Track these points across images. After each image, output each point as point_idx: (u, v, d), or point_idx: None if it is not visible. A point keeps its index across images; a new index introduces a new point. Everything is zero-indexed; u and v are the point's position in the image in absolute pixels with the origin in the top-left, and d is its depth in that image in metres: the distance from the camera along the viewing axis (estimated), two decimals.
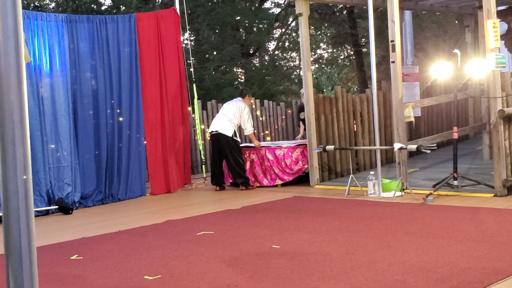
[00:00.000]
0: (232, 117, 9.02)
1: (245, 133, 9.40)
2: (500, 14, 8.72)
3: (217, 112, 11.93)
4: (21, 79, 1.31)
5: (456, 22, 17.64)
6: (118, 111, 8.69)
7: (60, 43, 8.11)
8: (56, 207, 7.74)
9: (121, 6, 20.51)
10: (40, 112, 7.84)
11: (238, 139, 9.10)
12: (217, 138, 8.95)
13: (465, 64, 7.36)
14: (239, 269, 4.22)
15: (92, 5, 20.47)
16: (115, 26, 8.71)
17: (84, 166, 8.28)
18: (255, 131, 12.25)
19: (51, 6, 21.69)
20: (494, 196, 6.76)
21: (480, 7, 7.34)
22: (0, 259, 5.04)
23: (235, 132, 8.99)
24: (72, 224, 6.90)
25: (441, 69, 7.46)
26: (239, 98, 9.28)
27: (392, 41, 7.52)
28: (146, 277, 4.17)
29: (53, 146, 7.92)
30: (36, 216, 7.17)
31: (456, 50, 7.46)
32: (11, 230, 1.31)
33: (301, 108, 10.01)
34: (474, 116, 10.83)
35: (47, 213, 7.70)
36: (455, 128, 7.28)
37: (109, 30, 8.64)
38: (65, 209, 7.69)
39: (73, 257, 4.96)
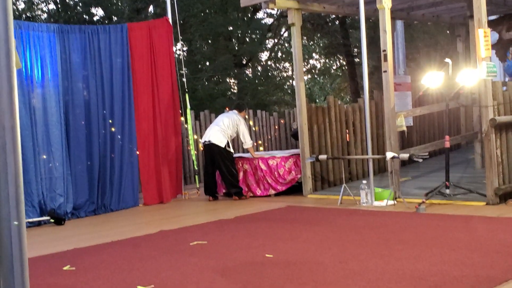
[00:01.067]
0: (226, 128, 9.00)
1: (245, 147, 9.36)
2: (491, 24, 8.80)
3: (210, 122, 11.95)
4: (12, 86, 1.30)
5: (448, 32, 17.76)
6: (110, 121, 8.67)
7: (52, 53, 8.10)
8: (48, 218, 7.69)
9: (113, 17, 20.52)
10: (32, 123, 7.81)
11: (231, 150, 9.07)
12: (210, 148, 8.94)
13: (457, 73, 7.40)
14: (233, 279, 4.21)
15: (84, 16, 20.46)
16: (107, 36, 8.70)
17: (76, 177, 8.24)
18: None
19: (43, 17, 21.67)
20: (486, 204, 6.78)
21: (471, 16, 7.39)
22: None
23: (228, 143, 8.96)
24: (64, 235, 6.86)
25: (432, 79, 7.49)
26: (235, 111, 9.26)
27: (384, 50, 7.55)
28: (139, 287, 4.15)
29: (45, 156, 7.89)
30: (28, 227, 7.15)
31: (447, 60, 7.50)
32: (2, 238, 1.30)
33: (294, 134, 10.08)
34: (466, 125, 10.87)
35: (39, 224, 7.65)
36: (447, 137, 7.31)
37: (101, 40, 8.64)
38: (57, 220, 7.64)
39: (65, 268, 4.92)
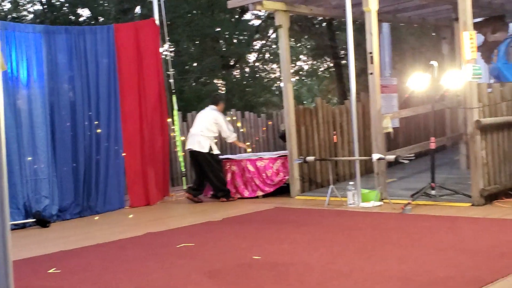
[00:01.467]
0: (206, 130, 8.87)
1: (228, 141, 9.34)
2: (477, 26, 8.86)
3: None
4: None
5: (433, 34, 17.87)
6: (96, 122, 8.62)
7: (37, 54, 8.04)
8: (34, 220, 7.63)
9: (100, 17, 20.41)
10: (17, 124, 7.75)
11: (216, 152, 8.99)
12: (194, 155, 8.93)
13: (442, 75, 7.45)
14: (220, 280, 4.20)
15: (71, 16, 20.33)
16: (93, 37, 8.65)
17: (61, 179, 8.18)
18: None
19: (29, 18, 21.50)
20: (472, 205, 6.82)
21: (457, 19, 7.44)
22: None
23: (211, 146, 8.86)
24: (49, 237, 6.81)
25: (418, 81, 7.54)
26: (213, 106, 9.15)
27: (371, 53, 7.59)
28: None
29: (30, 158, 7.83)
30: (13, 229, 7.08)
31: (433, 62, 7.55)
32: None
33: (282, 136, 10.04)
34: (451, 127, 10.94)
35: (24, 226, 7.58)
36: (432, 139, 7.35)
37: (87, 41, 8.59)
38: (42, 222, 7.59)
39: (50, 271, 4.89)
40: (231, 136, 9.07)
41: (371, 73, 7.61)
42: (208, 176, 8.85)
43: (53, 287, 4.37)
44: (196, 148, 8.83)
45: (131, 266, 4.85)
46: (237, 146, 12.18)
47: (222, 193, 8.84)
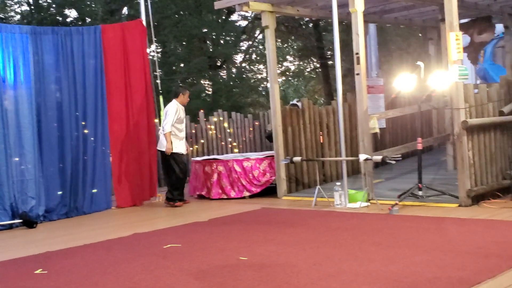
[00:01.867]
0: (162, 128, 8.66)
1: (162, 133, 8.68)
2: (463, 27, 8.92)
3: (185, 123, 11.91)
4: None
5: (420, 34, 17.97)
6: (83, 123, 8.57)
7: (24, 55, 7.98)
8: (20, 221, 7.58)
9: (87, 18, 20.31)
10: (4, 125, 7.69)
11: (178, 150, 8.56)
12: (161, 155, 8.85)
13: (429, 76, 7.49)
14: (207, 281, 4.19)
15: (58, 17, 20.21)
16: (80, 38, 8.61)
17: (48, 179, 8.12)
18: (223, 142, 12.24)
19: (15, 18, 21.35)
20: (459, 206, 6.87)
21: (443, 20, 7.49)
22: None
23: (171, 143, 8.50)
24: (36, 238, 6.77)
25: (405, 81, 7.57)
26: (173, 100, 8.69)
27: (357, 53, 7.61)
28: None
29: (17, 159, 7.77)
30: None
31: (419, 62, 7.59)
32: None
33: (269, 136, 10.01)
34: (438, 127, 11.01)
35: (10, 227, 7.52)
36: (419, 139, 7.39)
37: (74, 42, 8.54)
38: (29, 222, 7.54)
39: (37, 272, 4.86)
40: (164, 129, 8.49)
41: (358, 74, 7.64)
42: (168, 173, 8.75)
43: None
44: (159, 147, 8.75)
45: (117, 267, 4.83)
46: (226, 146, 12.20)
47: (169, 195, 8.66)
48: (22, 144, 7.85)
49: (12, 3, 21.61)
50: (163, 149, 8.55)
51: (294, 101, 9.88)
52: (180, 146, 8.65)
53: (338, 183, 7.70)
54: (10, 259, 5.47)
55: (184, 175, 8.72)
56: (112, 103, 8.84)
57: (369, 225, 6.06)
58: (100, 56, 8.75)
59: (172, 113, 8.49)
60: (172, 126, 8.48)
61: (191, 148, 11.19)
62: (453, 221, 6.01)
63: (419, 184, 7.24)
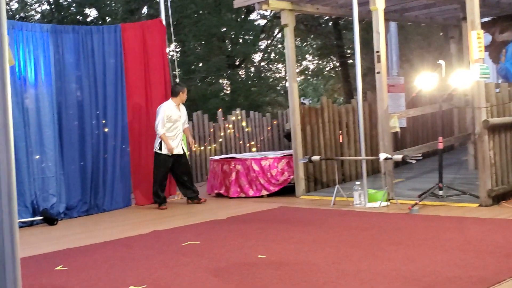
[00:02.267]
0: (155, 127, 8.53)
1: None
2: (485, 26, 8.84)
3: (203, 123, 11.96)
4: (5, 82, 1.29)
5: (441, 33, 17.82)
6: (103, 121, 8.65)
7: (45, 53, 8.06)
8: (41, 218, 7.66)
9: (107, 17, 20.47)
10: (25, 123, 7.78)
11: (161, 151, 8.43)
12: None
13: (450, 75, 7.42)
14: (225, 279, 4.20)
15: (78, 16, 20.40)
16: (100, 36, 8.67)
17: (69, 177, 8.21)
18: (241, 141, 12.25)
19: (36, 17, 21.59)
20: (479, 206, 6.79)
21: (465, 18, 7.41)
22: None
23: (160, 143, 8.42)
24: (57, 235, 6.83)
25: (426, 80, 7.51)
26: (170, 99, 8.61)
27: (378, 52, 7.57)
28: (131, 287, 4.13)
29: (38, 157, 7.85)
30: (20, 227, 7.08)
31: (440, 61, 7.52)
32: None
33: (287, 135, 9.96)
34: (459, 127, 10.91)
35: (31, 224, 7.61)
36: (440, 138, 7.32)
37: (95, 40, 8.61)
38: (50, 220, 7.62)
39: (57, 268, 4.91)
40: (157, 130, 8.41)
41: (378, 72, 7.59)
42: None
43: (60, 285, 4.38)
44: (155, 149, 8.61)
45: (137, 264, 4.86)
46: (244, 145, 12.21)
47: (154, 197, 8.62)
48: (43, 142, 7.93)
49: (33, 2, 21.86)
50: (156, 151, 8.47)
51: (301, 100, 9.82)
52: (165, 147, 8.45)
53: (357, 183, 7.66)
54: (31, 255, 5.53)
55: (184, 174, 8.66)
56: (131, 101, 8.90)
57: (388, 225, 6.02)
58: (120, 55, 8.81)
59: (162, 115, 8.36)
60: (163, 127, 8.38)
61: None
62: (473, 221, 5.95)
63: (440, 184, 7.17)
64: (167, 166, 8.56)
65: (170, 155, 8.49)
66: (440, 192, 7.18)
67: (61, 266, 4.98)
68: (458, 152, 11.40)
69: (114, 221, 7.67)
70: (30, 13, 21.85)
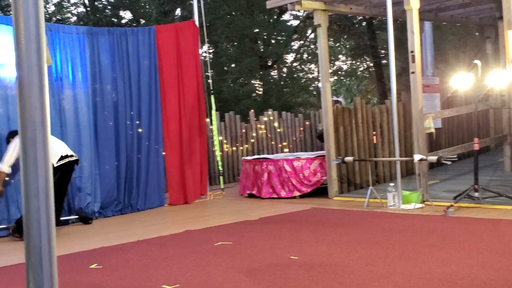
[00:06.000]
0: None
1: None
2: None
3: (235, 123, 11.99)
4: (43, 82, 1.32)
5: (477, 33, 17.54)
6: (138, 122, 8.75)
7: (81, 55, 8.20)
8: (76, 216, 7.79)
9: (141, 19, 20.71)
10: (62, 123, 7.92)
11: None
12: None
13: (486, 75, 7.30)
14: (257, 279, 4.20)
15: (113, 19, 20.69)
16: (135, 38, 8.78)
17: (104, 177, 8.32)
18: (273, 142, 12.24)
19: (72, 20, 21.98)
20: None
21: (501, 17, 7.29)
22: (15, 270, 5.05)
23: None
24: (91, 234, 6.93)
25: (461, 80, 7.40)
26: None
27: (412, 51, 7.48)
28: (164, 286, 4.17)
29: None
30: (56, 225, 7.19)
31: (476, 61, 7.40)
32: (31, 232, 1.32)
33: (320, 136, 9.92)
34: (495, 127, 10.71)
35: (66, 223, 7.75)
36: (476, 139, 7.20)
37: (129, 42, 8.71)
38: (84, 218, 7.74)
39: (92, 266, 4.98)
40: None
41: (413, 72, 7.51)
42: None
43: (94, 283, 4.44)
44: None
45: (169, 263, 4.90)
46: (276, 146, 12.22)
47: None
48: (79, 142, 8.06)
49: (69, 5, 22.24)
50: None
51: (334, 97, 9.74)
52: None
53: (391, 184, 7.58)
54: (66, 254, 5.62)
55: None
56: (165, 102, 8.98)
57: (423, 227, 5.95)
58: (154, 57, 8.90)
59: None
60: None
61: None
62: (509, 223, 5.83)
63: (475, 186, 7.05)
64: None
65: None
66: (476, 194, 7.06)
67: (95, 264, 5.05)
68: (494, 154, 11.20)
69: (148, 221, 7.75)
70: (66, 15, 22.25)
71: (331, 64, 24.28)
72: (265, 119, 12.33)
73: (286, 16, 22.79)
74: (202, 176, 9.42)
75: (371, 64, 22.45)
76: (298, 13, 21.56)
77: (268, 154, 11.62)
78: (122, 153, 8.54)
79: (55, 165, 6.85)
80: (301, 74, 23.68)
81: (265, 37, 21.46)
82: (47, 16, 20.30)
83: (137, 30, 9.02)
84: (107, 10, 21.12)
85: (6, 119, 7.30)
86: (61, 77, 7.98)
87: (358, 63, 25.58)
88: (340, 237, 5.62)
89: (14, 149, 6.77)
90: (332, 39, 22.79)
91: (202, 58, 9.75)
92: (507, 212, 6.50)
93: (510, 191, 7.14)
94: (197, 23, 9.49)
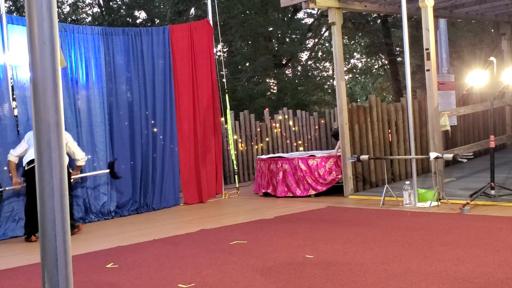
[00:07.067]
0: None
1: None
2: None
3: (250, 122, 12.00)
4: (57, 84, 1.33)
5: (492, 30, 17.39)
6: (153, 122, 8.79)
7: (96, 55, 8.25)
8: (107, 171, 7.97)
9: (156, 19, 20.79)
10: (77, 123, 7.99)
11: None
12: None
13: (502, 72, 7.23)
14: (273, 278, 4.20)
15: (127, 19, 20.80)
16: (149, 38, 8.81)
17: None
18: (288, 141, 12.23)
19: (87, 20, 22.12)
20: None
21: None
22: (31, 270, 5.10)
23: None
24: (107, 233, 6.98)
25: (477, 77, 7.34)
26: None
27: (427, 49, 7.44)
28: (180, 285, 4.19)
29: (89, 156, 8.04)
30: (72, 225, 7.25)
31: (492, 58, 7.34)
32: (46, 232, 1.34)
33: (335, 134, 9.89)
34: (511, 125, 10.61)
35: (83, 222, 7.80)
36: (492, 137, 7.14)
37: (144, 42, 8.75)
38: (114, 174, 7.92)
39: (108, 265, 5.01)
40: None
41: (428, 70, 7.46)
42: None
43: (111, 282, 4.47)
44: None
45: (185, 262, 4.92)
46: (291, 144, 12.21)
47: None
48: (94, 142, 8.12)
49: (84, 5, 22.39)
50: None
51: None
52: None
53: (407, 182, 7.55)
54: (83, 253, 5.67)
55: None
56: (180, 102, 9.01)
57: (439, 225, 5.91)
58: (169, 56, 8.93)
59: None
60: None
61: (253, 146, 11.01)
62: None
63: (492, 183, 7.00)
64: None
65: None
66: (492, 192, 7.00)
67: (111, 263, 5.08)
68: (510, 151, 11.10)
69: (163, 220, 7.78)
70: (81, 16, 22.41)
71: (346, 62, 24.18)
72: (280, 117, 12.32)
73: (300, 14, 22.75)
74: (217, 175, 9.44)
75: (386, 62, 22.35)
76: (313, 11, 21.50)
77: (283, 152, 11.62)
78: (138, 153, 8.59)
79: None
80: (315, 72, 23.64)
81: (279, 35, 21.45)
82: (62, 16, 20.46)
83: (152, 30, 9.06)
84: (122, 10, 21.23)
85: (26, 119, 7.38)
86: (76, 78, 8.04)
87: (373, 61, 25.48)
88: (356, 235, 5.61)
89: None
90: (346, 37, 22.70)
91: (217, 57, 9.78)
92: None
93: None
94: (211, 22, 9.51)
